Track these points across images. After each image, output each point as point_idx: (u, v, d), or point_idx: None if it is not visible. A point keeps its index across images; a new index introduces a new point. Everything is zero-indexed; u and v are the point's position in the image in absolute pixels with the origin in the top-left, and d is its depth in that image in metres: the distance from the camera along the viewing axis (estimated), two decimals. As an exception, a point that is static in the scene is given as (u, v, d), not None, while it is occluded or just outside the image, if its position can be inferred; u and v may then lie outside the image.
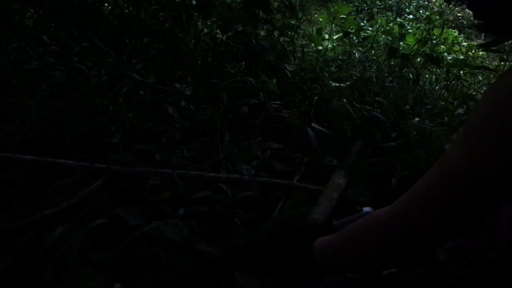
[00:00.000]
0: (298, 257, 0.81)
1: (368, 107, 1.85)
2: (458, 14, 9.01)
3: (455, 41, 5.45)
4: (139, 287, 0.84)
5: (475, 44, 5.94)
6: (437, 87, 2.81)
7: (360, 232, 0.72)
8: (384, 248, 0.68)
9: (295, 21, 2.70)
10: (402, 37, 4.01)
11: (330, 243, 0.77)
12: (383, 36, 4.01)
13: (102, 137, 1.35)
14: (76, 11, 2.11)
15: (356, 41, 3.63)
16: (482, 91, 3.15)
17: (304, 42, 2.92)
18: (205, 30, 2.35)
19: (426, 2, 9.14)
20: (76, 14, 2.10)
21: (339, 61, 2.83)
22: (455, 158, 0.60)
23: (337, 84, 2.08)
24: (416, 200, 0.63)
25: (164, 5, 2.22)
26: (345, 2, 7.45)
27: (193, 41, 2.16)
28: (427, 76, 3.13)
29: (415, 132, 1.63)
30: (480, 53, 5.44)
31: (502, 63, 2.80)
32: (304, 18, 3.87)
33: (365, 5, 8.83)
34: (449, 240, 0.67)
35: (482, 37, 8.12)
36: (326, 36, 3.86)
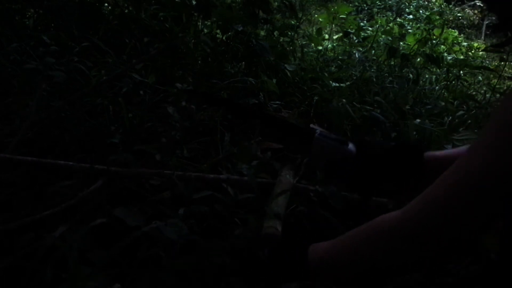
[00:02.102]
0: (290, 260, 0.77)
1: (368, 107, 1.85)
2: (458, 14, 9.02)
3: (455, 41, 5.46)
4: (139, 287, 0.84)
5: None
6: (437, 87, 2.81)
7: (369, 234, 0.67)
8: (397, 253, 0.64)
9: (295, 21, 2.70)
10: (402, 37, 4.02)
11: (331, 246, 0.73)
12: (383, 36, 4.01)
13: (102, 137, 1.35)
14: (76, 11, 2.11)
15: (356, 41, 3.63)
16: (482, 91, 3.16)
17: (304, 42, 2.92)
18: (205, 30, 2.35)
19: (426, 2, 9.15)
20: (76, 14, 2.10)
21: (339, 61, 2.83)
22: (478, 160, 0.57)
23: (337, 84, 2.08)
24: (435, 201, 0.60)
25: (164, 5, 2.22)
26: (345, 2, 7.46)
27: (193, 41, 2.16)
28: (427, 76, 3.14)
29: (415, 132, 1.63)
30: (480, 53, 5.45)
31: (502, 63, 2.80)
32: (304, 18, 3.87)
33: (365, 5, 8.84)
34: (464, 243, 0.64)
35: (482, 37, 8.13)
36: (326, 36, 3.87)
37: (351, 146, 0.90)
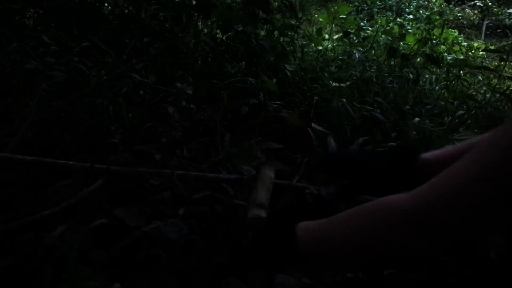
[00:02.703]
0: (276, 241, 0.68)
1: (368, 107, 1.85)
2: (458, 14, 9.02)
3: (455, 41, 5.46)
4: (139, 287, 0.84)
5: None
6: (437, 87, 2.81)
7: (368, 217, 0.59)
8: (400, 240, 0.56)
9: (295, 21, 2.70)
10: (402, 37, 4.02)
11: (325, 227, 0.65)
12: (383, 36, 4.01)
13: (102, 137, 1.35)
14: (76, 11, 2.11)
15: (356, 41, 3.63)
16: (482, 91, 3.16)
17: (304, 42, 2.92)
18: (205, 30, 2.35)
19: (426, 2, 9.15)
20: (76, 14, 2.10)
21: (339, 61, 2.83)
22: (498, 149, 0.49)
23: (337, 84, 2.07)
24: (460, 185, 0.51)
25: (164, 5, 2.22)
26: (345, 2, 7.46)
27: (193, 41, 2.16)
28: (427, 76, 3.14)
29: (415, 132, 1.63)
30: (480, 53, 5.45)
31: (502, 63, 2.80)
32: (304, 18, 3.87)
33: (365, 5, 8.84)
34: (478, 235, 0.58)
35: (482, 37, 8.13)
36: (326, 36, 3.87)
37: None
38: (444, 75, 2.97)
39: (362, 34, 3.85)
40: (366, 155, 0.89)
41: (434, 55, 2.78)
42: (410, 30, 4.88)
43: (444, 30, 4.69)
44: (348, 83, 2.20)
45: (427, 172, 0.79)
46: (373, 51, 3.35)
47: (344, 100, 1.78)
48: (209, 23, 2.36)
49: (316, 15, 5.38)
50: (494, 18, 8.93)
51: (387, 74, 2.61)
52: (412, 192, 0.56)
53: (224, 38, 2.17)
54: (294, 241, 0.66)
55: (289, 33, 2.47)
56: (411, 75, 2.63)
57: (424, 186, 0.55)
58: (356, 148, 0.97)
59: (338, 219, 0.64)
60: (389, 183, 0.84)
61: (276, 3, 2.81)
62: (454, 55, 4.56)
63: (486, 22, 8.73)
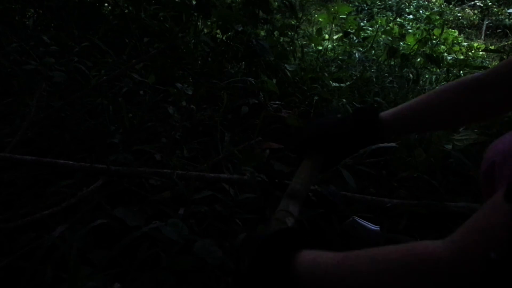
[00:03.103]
0: (270, 270, 0.61)
1: (368, 107, 1.85)
2: (458, 14, 9.02)
3: (455, 41, 5.46)
4: (139, 287, 0.84)
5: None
6: (437, 87, 2.80)
7: (399, 263, 0.52)
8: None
9: (295, 21, 2.70)
10: (402, 37, 4.02)
11: (335, 264, 0.57)
12: (383, 36, 4.02)
13: (102, 137, 1.35)
14: (76, 11, 2.11)
15: (356, 41, 3.63)
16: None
17: (304, 42, 2.92)
18: (205, 30, 2.35)
19: (426, 2, 9.15)
20: (76, 14, 2.10)
21: (339, 61, 2.83)
22: None
23: (337, 84, 2.08)
24: (491, 229, 0.46)
25: (164, 5, 2.22)
26: (345, 2, 7.46)
27: (193, 41, 2.16)
28: (427, 76, 3.14)
29: (415, 132, 1.63)
30: (480, 53, 5.45)
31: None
32: (304, 18, 3.87)
33: (365, 5, 8.84)
34: None
35: (482, 37, 8.14)
36: (326, 36, 3.87)
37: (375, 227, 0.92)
38: (444, 75, 2.97)
39: (362, 34, 3.85)
40: (330, 122, 0.88)
41: (434, 55, 2.78)
42: (410, 30, 4.88)
43: (444, 30, 4.69)
44: (348, 83, 2.20)
45: (387, 129, 0.81)
46: (373, 51, 3.35)
47: (344, 100, 1.79)
48: (209, 23, 2.36)
49: (316, 15, 5.38)
50: (494, 18, 8.93)
51: (387, 74, 2.61)
52: (447, 239, 0.51)
53: (224, 38, 2.17)
54: (292, 275, 0.59)
55: (289, 33, 2.47)
56: (411, 75, 2.63)
57: (460, 229, 0.51)
58: (320, 118, 0.97)
59: (357, 258, 0.55)
60: (354, 143, 0.85)
61: (276, 3, 2.81)
62: (454, 55, 4.56)
63: (486, 22, 8.73)
